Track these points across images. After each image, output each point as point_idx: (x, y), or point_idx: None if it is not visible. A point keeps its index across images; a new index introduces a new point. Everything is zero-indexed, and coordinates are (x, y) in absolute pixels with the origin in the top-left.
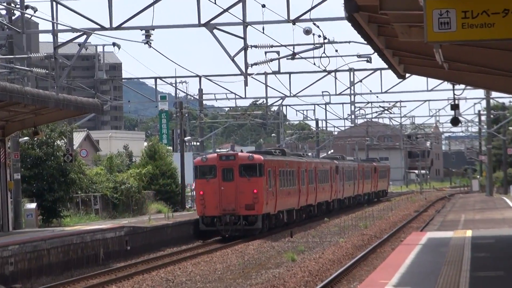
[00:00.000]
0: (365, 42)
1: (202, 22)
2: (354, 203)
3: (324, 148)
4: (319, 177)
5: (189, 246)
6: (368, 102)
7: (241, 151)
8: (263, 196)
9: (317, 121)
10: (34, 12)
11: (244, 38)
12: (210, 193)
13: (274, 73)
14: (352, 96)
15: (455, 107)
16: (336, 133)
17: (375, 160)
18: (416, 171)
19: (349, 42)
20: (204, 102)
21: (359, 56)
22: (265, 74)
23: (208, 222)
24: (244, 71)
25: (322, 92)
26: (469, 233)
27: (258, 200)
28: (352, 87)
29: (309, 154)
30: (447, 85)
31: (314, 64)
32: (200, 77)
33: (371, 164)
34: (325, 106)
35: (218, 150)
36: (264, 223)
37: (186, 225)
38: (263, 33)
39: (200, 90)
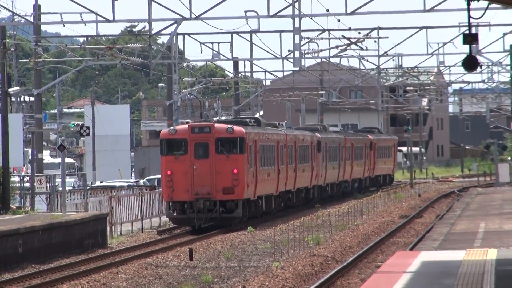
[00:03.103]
0: None
1: None
2: (339, 192)
3: (247, 109)
4: (299, 155)
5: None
6: (323, 30)
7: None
8: (244, 177)
9: (236, 62)
10: None
11: None
12: (179, 173)
13: None
14: (297, 20)
15: (470, 39)
16: (268, 83)
17: (373, 131)
18: (404, 149)
19: None
20: (44, 27)
21: None
22: None
23: (177, 209)
24: None
25: (246, 12)
26: (492, 253)
27: (239, 182)
28: (296, 4)
29: (283, 124)
30: (458, 1)
31: None
32: None
33: (365, 138)
34: (251, 37)
35: (67, 110)
36: (245, 211)
37: (12, 237)
38: None
39: (37, 7)
